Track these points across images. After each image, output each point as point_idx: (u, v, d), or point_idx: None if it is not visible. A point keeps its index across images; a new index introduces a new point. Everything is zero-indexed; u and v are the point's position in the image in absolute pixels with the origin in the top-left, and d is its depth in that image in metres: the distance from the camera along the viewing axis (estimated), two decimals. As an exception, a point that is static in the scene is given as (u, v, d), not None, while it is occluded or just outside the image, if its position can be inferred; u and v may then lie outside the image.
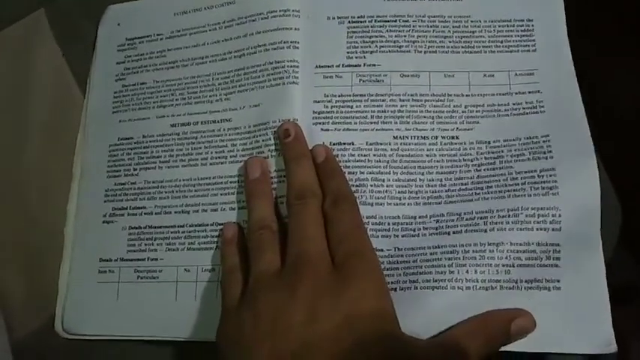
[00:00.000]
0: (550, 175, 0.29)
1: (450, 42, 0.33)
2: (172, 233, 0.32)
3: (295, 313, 0.24)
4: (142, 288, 0.32)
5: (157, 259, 0.32)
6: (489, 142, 0.31)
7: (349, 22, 0.34)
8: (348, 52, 0.34)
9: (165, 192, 0.33)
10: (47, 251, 0.33)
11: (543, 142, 0.30)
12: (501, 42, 0.33)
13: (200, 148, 0.33)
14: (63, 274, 0.32)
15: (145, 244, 0.32)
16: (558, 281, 0.28)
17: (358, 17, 0.34)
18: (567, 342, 0.27)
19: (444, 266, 0.28)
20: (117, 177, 0.34)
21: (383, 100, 0.33)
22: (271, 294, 0.26)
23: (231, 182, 0.32)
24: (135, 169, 0.34)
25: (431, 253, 0.29)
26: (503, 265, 0.28)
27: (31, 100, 0.36)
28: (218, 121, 0.34)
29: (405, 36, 0.34)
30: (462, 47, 0.33)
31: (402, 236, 0.30)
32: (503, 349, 0.27)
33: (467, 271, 0.28)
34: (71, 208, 0.34)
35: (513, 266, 0.28)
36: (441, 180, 0.31)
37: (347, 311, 0.24)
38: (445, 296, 0.28)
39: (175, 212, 0.32)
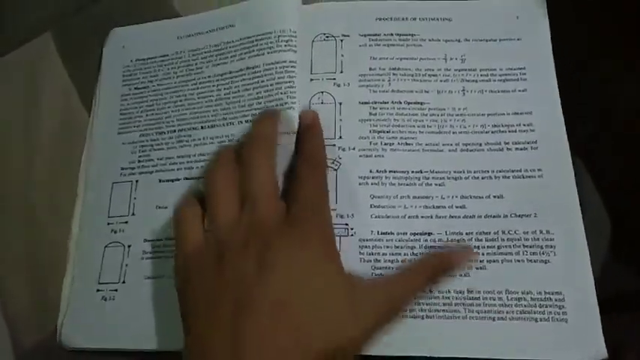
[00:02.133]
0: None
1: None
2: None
3: (247, 264, 0.26)
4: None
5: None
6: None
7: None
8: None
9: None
10: (53, 264, 0.34)
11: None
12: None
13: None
14: (65, 288, 0.33)
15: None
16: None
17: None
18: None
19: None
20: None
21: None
22: (228, 248, 0.27)
23: None
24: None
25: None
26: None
27: (38, 119, 0.37)
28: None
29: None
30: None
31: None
32: (493, 356, 0.28)
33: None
34: (74, 224, 0.35)
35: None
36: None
37: (294, 261, 0.26)
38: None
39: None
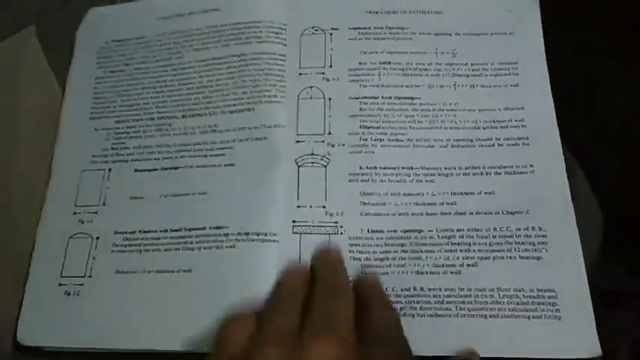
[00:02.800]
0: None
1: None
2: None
3: None
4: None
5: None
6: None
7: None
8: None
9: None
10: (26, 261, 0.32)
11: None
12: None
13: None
14: (28, 282, 0.32)
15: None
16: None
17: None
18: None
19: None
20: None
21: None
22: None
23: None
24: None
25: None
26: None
27: (20, 113, 0.36)
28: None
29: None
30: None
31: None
32: (483, 354, 0.27)
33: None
34: (42, 217, 0.33)
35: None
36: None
37: None
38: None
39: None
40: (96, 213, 0.33)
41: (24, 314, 0.31)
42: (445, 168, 0.31)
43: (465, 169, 0.31)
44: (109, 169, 0.34)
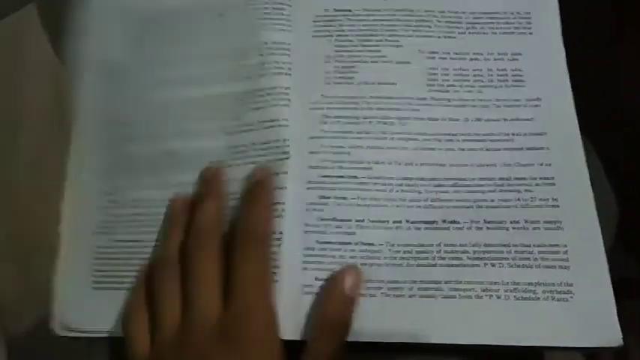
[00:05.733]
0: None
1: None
2: None
3: None
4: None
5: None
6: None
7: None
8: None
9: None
10: (42, 249, 0.32)
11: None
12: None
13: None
14: (59, 272, 0.31)
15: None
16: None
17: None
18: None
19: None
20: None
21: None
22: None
23: None
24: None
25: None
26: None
27: (24, 95, 0.35)
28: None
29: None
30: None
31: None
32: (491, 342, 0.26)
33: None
34: (65, 207, 0.32)
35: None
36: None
37: None
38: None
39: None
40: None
41: (61, 303, 0.30)
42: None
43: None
44: None
